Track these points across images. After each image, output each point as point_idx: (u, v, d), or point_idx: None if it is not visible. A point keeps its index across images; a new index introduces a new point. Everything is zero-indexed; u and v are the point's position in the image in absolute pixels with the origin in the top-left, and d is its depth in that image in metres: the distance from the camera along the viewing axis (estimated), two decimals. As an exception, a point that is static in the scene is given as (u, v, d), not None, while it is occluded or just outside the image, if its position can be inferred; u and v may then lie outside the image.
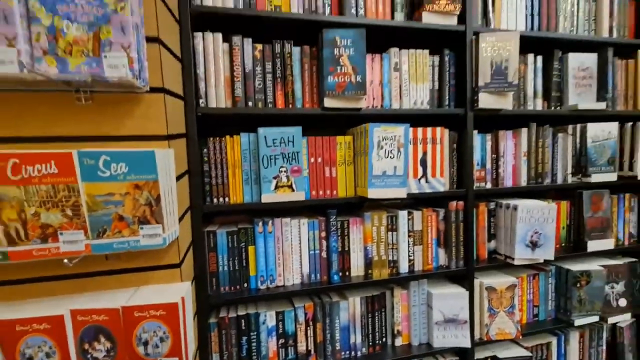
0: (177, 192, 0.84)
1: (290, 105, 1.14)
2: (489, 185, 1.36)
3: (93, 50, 0.66)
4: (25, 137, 0.71)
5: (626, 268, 1.50)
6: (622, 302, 1.49)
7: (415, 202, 1.43)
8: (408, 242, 1.26)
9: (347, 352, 1.23)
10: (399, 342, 1.29)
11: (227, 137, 1.10)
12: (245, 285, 1.15)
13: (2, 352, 0.71)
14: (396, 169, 1.15)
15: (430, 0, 1.18)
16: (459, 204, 1.28)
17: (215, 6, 1.03)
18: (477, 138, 1.32)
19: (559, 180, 1.44)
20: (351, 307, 1.23)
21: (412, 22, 1.20)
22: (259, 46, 1.10)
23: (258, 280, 1.15)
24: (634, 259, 1.56)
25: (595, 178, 1.41)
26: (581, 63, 1.43)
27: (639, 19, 1.53)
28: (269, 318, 1.15)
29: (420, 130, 1.23)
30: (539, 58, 1.40)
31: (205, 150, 1.08)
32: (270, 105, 1.12)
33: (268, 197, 1.09)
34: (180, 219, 0.90)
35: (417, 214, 1.27)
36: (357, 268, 1.23)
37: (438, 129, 1.25)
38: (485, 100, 1.24)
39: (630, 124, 1.48)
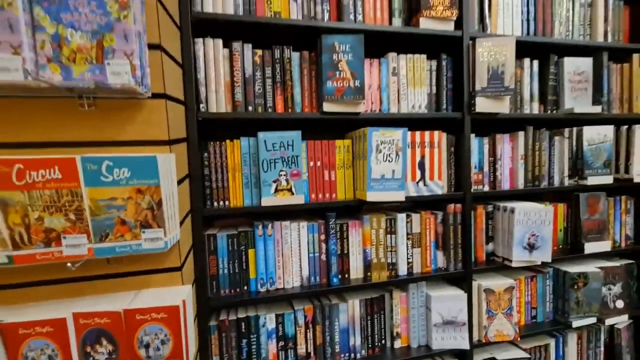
0: (178, 196, 0.85)
1: (290, 110, 1.15)
2: (486, 188, 1.37)
3: (96, 58, 0.67)
4: (29, 142, 0.73)
5: (623, 270, 1.52)
6: (619, 304, 1.51)
7: (413, 205, 1.44)
8: (407, 244, 1.27)
9: (347, 355, 1.24)
10: (398, 344, 1.30)
11: (227, 141, 1.11)
12: (245, 288, 1.15)
13: (6, 355, 0.72)
14: (394, 173, 1.16)
15: (428, 6, 1.20)
16: (456, 206, 1.29)
17: (216, 12, 1.05)
18: (474, 141, 1.34)
19: (556, 183, 1.45)
20: (350, 310, 1.24)
21: (409, 27, 1.21)
22: (259, 52, 1.11)
23: (258, 283, 1.16)
24: (630, 261, 1.57)
25: (592, 181, 1.42)
26: (577, 67, 1.45)
27: (634, 23, 1.56)
28: (268, 320, 1.16)
29: (418, 134, 1.25)
30: (535, 62, 1.42)
31: (205, 154, 1.10)
32: (270, 110, 1.13)
33: (268, 201, 1.11)
34: (181, 222, 0.91)
35: (415, 217, 1.28)
36: (356, 270, 1.24)
37: (436, 133, 1.27)
38: (482, 104, 1.26)
39: (625, 127, 1.49)
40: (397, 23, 1.23)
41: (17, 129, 0.72)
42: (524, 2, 1.36)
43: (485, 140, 1.36)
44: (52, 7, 0.65)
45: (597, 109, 1.43)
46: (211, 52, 1.07)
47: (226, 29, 1.11)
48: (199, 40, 1.05)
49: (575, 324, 1.42)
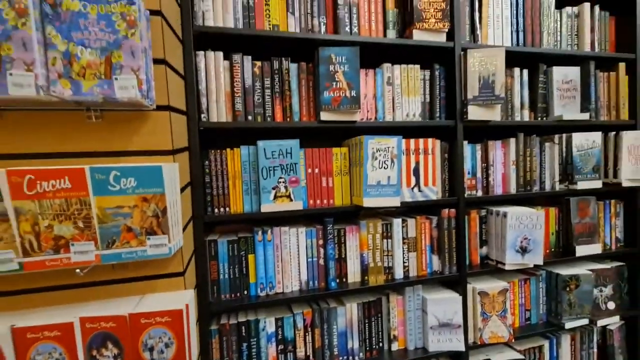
0: (180, 203, 0.89)
1: (288, 119, 1.19)
2: (479, 193, 1.41)
3: (105, 73, 0.71)
4: (39, 153, 0.76)
5: (613, 272, 1.55)
6: (611, 305, 1.54)
7: (409, 210, 1.48)
8: (403, 248, 1.30)
9: (345, 357, 1.26)
10: (395, 346, 1.33)
11: (228, 149, 1.15)
12: (246, 292, 1.18)
13: (15, 359, 0.74)
14: (390, 179, 1.20)
15: (421, 18, 1.25)
16: (451, 211, 1.33)
17: (217, 26, 1.09)
18: (467, 148, 1.38)
19: (547, 188, 1.49)
20: (348, 313, 1.26)
21: (403, 39, 1.26)
22: (258, 63, 1.15)
23: (258, 288, 1.18)
24: (621, 263, 1.61)
25: (582, 185, 1.47)
26: (565, 76, 1.50)
27: (619, 33, 1.62)
28: (268, 324, 1.18)
29: (412, 141, 1.29)
30: (525, 71, 1.47)
31: (206, 162, 1.13)
32: (269, 119, 1.17)
33: (267, 207, 1.14)
34: (183, 229, 0.94)
35: (411, 222, 1.31)
36: (353, 275, 1.27)
37: (430, 140, 1.31)
38: (474, 112, 1.30)
39: (613, 133, 1.54)
40: (392, 35, 1.28)
41: (28, 141, 0.76)
42: (514, 14, 1.41)
43: (478, 146, 1.41)
44: (64, 26, 0.69)
45: (585, 116, 1.48)
46: (212, 64, 1.11)
47: (226, 42, 1.15)
48: (201, 53, 1.09)
49: (568, 325, 1.45)
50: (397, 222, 1.29)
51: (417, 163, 1.30)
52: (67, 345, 0.77)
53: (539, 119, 1.49)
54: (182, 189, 0.95)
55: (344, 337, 1.26)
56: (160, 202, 0.75)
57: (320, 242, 1.23)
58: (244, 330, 1.16)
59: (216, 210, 1.14)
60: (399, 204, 1.22)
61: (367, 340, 1.29)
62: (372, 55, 1.31)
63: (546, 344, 1.51)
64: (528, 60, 1.49)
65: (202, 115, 1.10)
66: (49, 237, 0.71)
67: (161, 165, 0.74)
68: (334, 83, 1.16)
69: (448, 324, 1.32)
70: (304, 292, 1.21)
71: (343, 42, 1.19)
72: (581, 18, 1.53)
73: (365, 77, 1.26)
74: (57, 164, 0.77)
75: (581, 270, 1.50)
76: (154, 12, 0.80)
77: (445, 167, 1.35)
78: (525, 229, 1.35)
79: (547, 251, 1.52)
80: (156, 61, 0.81)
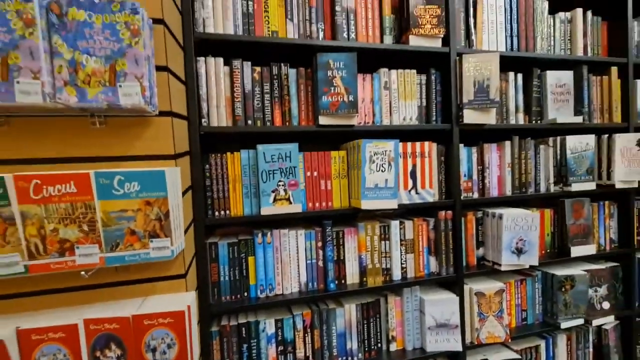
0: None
1: (287, 123, 1.21)
2: (476, 195, 1.43)
3: (109, 81, 0.73)
4: (44, 158, 0.78)
5: (608, 272, 1.58)
6: (606, 305, 1.57)
7: (406, 212, 1.50)
8: (400, 250, 1.32)
9: (344, 358, 1.28)
10: (393, 347, 1.34)
11: (228, 153, 1.17)
12: (246, 294, 1.20)
13: (21, 360, 0.75)
14: (387, 182, 1.22)
15: (417, 24, 1.27)
16: (447, 213, 1.35)
17: (217, 33, 1.12)
18: (463, 151, 1.40)
19: (542, 190, 1.52)
20: (347, 314, 1.28)
21: (400, 44, 1.29)
22: (258, 68, 1.18)
23: (258, 289, 1.20)
24: (615, 264, 1.64)
25: (576, 187, 1.49)
26: (558, 80, 1.53)
27: (611, 38, 1.65)
28: (268, 326, 1.20)
29: (409, 144, 1.31)
30: (519, 76, 1.50)
31: (207, 166, 1.15)
32: (268, 124, 1.19)
33: (267, 210, 1.16)
34: (185, 231, 0.95)
35: (408, 224, 1.33)
36: (352, 276, 1.29)
37: (426, 143, 1.33)
38: (470, 116, 1.33)
39: (606, 135, 1.57)
40: (388, 40, 1.30)
41: (33, 146, 0.77)
42: (508, 19, 1.44)
43: (474, 149, 1.43)
44: (69, 35, 0.71)
45: (579, 119, 1.51)
46: (212, 69, 1.13)
47: (227, 48, 1.17)
48: (201, 59, 1.11)
49: (564, 325, 1.47)
50: (394, 224, 1.31)
51: (414, 166, 1.32)
52: (71, 346, 0.78)
53: (534, 122, 1.52)
54: (183, 193, 0.97)
55: (343, 338, 1.28)
56: (163, 206, 0.77)
57: (319, 244, 1.25)
58: (244, 332, 1.18)
59: (217, 213, 1.16)
60: (396, 206, 1.24)
61: (366, 341, 1.31)
62: (370, 61, 1.34)
63: (542, 343, 1.53)
64: (522, 64, 1.52)
65: (203, 120, 1.12)
66: (55, 240, 0.73)
67: (164, 169, 0.76)
68: (332, 88, 1.18)
69: (445, 325, 1.34)
70: (304, 293, 1.23)
71: (341, 47, 1.21)
72: (574, 23, 1.56)
73: (363, 82, 1.28)
74: (61, 168, 0.79)
75: (576, 270, 1.52)
76: (156, 21, 0.82)
77: (441, 169, 1.38)
78: (520, 231, 1.38)
79: (543, 252, 1.55)
80: (159, 68, 0.83)
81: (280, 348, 1.21)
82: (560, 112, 1.54)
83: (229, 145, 1.27)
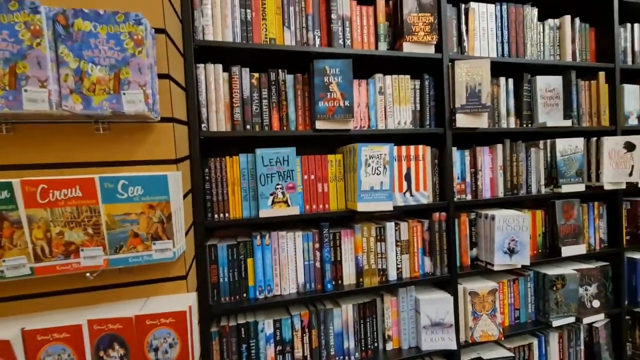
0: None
1: (285, 128, 1.24)
2: (469, 197, 1.47)
3: (114, 89, 0.76)
4: (50, 163, 0.80)
5: (598, 271, 1.62)
6: (596, 304, 1.61)
7: (401, 214, 1.54)
8: (396, 251, 1.36)
9: (341, 357, 1.30)
10: (389, 346, 1.37)
11: (227, 157, 1.20)
12: (245, 295, 1.22)
13: (26, 360, 0.77)
14: (383, 184, 1.25)
15: (410, 32, 1.31)
16: (441, 215, 1.39)
17: (216, 40, 1.15)
18: (456, 154, 1.44)
19: (533, 191, 1.56)
20: (344, 314, 1.31)
21: (394, 51, 1.32)
22: (256, 75, 1.21)
23: (256, 290, 1.23)
24: (605, 263, 1.68)
25: (566, 189, 1.54)
26: (548, 84, 1.58)
27: (599, 43, 1.70)
28: (267, 326, 1.22)
29: (404, 148, 1.35)
30: (510, 81, 1.55)
31: (206, 170, 1.18)
32: (266, 128, 1.22)
33: (265, 212, 1.18)
34: (185, 234, 0.98)
35: (403, 225, 1.37)
36: (349, 277, 1.32)
37: (420, 147, 1.37)
38: (462, 120, 1.37)
39: (595, 138, 1.62)
40: (383, 47, 1.34)
41: (39, 151, 0.80)
42: (499, 26, 1.49)
43: (467, 152, 1.47)
44: (75, 45, 0.73)
45: (568, 123, 1.55)
46: (212, 76, 1.16)
47: (226, 55, 1.20)
48: (201, 66, 1.14)
49: (555, 323, 1.51)
50: (390, 225, 1.34)
51: (409, 169, 1.36)
52: (75, 346, 0.80)
53: (524, 125, 1.56)
54: (184, 196, 0.99)
55: (340, 338, 1.30)
56: (166, 209, 0.80)
57: (317, 245, 1.28)
58: (243, 332, 1.20)
59: (216, 215, 1.19)
60: (391, 208, 1.28)
61: (363, 340, 1.34)
62: (365, 66, 1.38)
63: (535, 342, 1.57)
64: (513, 70, 1.57)
65: (203, 125, 1.15)
66: (60, 243, 0.76)
67: (167, 174, 0.79)
68: (329, 93, 1.21)
69: (440, 324, 1.37)
70: (301, 294, 1.25)
71: (337, 54, 1.25)
72: (562, 30, 1.61)
73: (358, 87, 1.32)
74: (66, 173, 0.81)
75: (567, 270, 1.56)
76: (158, 31, 0.85)
77: (435, 172, 1.41)
78: (512, 231, 1.41)
79: (535, 252, 1.59)
80: (161, 76, 0.86)
81: (279, 348, 1.24)
82: (550, 115, 1.58)
83: (228, 150, 1.30)
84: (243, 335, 1.20)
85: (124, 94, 0.76)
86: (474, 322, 1.43)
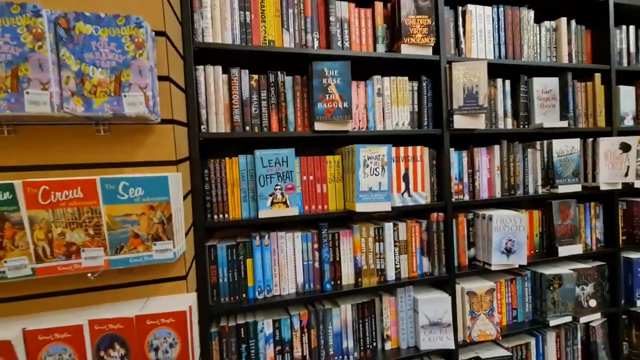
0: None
1: (284, 129, 1.25)
2: (466, 198, 1.48)
3: (114, 91, 0.77)
4: (51, 164, 0.81)
5: (595, 271, 1.63)
6: (592, 303, 1.62)
7: (399, 214, 1.55)
8: (394, 251, 1.37)
9: (340, 357, 1.31)
10: (388, 346, 1.38)
11: (227, 158, 1.21)
12: (244, 295, 1.23)
13: (28, 360, 0.78)
14: (381, 185, 1.26)
15: (408, 34, 1.33)
16: (439, 215, 1.40)
17: (216, 42, 1.16)
18: (454, 155, 1.45)
19: (531, 192, 1.58)
20: (343, 314, 1.32)
21: (392, 53, 1.34)
22: (255, 76, 1.22)
23: (256, 291, 1.23)
24: (601, 263, 1.70)
25: (562, 189, 1.55)
26: (544, 86, 1.59)
27: (595, 45, 1.72)
28: (266, 326, 1.23)
29: (402, 149, 1.36)
30: (507, 82, 1.56)
31: (206, 171, 1.18)
32: (265, 129, 1.23)
33: (264, 213, 1.19)
34: (185, 234, 0.99)
35: (401, 225, 1.38)
36: (347, 277, 1.33)
37: (418, 148, 1.38)
38: (460, 121, 1.38)
39: (591, 139, 1.63)
40: (381, 49, 1.36)
41: (40, 153, 0.81)
42: (495, 28, 1.50)
43: (464, 153, 1.48)
44: (77, 48, 0.74)
45: (564, 124, 1.57)
46: (211, 77, 1.17)
47: (225, 57, 1.21)
48: (200, 68, 1.15)
49: (553, 322, 1.52)
50: (388, 226, 1.35)
51: (407, 170, 1.37)
52: (76, 346, 0.81)
53: (521, 126, 1.58)
54: (184, 197, 1.00)
55: (339, 337, 1.31)
56: (166, 210, 0.81)
57: (316, 246, 1.29)
58: (242, 332, 1.21)
59: (215, 216, 1.19)
60: (390, 209, 1.29)
61: (361, 340, 1.35)
62: (363, 68, 1.39)
63: (532, 341, 1.58)
64: (510, 71, 1.58)
65: (202, 127, 1.16)
66: (61, 244, 0.76)
67: (167, 175, 0.80)
68: (327, 95, 1.22)
69: (438, 323, 1.38)
70: (300, 294, 1.26)
71: (335, 56, 1.26)
72: (559, 32, 1.63)
73: (357, 89, 1.33)
74: (67, 174, 0.82)
75: (564, 269, 1.57)
76: (159, 33, 0.86)
77: (433, 173, 1.42)
78: (509, 231, 1.43)
79: (532, 252, 1.60)
80: (161, 78, 0.87)
81: (278, 348, 1.24)
82: (546, 117, 1.60)
83: (228, 151, 1.31)
84: (242, 335, 1.21)
85: (125, 96, 0.77)
86: (472, 322, 1.44)
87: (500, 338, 1.45)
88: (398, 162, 1.36)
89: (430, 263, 1.42)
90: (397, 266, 1.37)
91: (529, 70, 1.59)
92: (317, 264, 1.29)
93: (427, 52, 1.37)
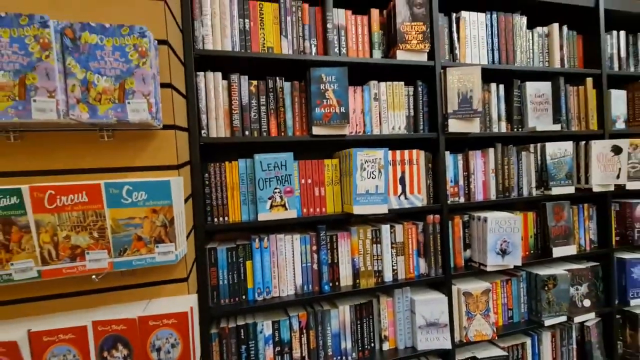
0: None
1: (283, 133, 1.28)
2: (462, 200, 1.51)
3: (119, 98, 0.79)
4: (57, 169, 0.83)
5: (589, 271, 1.66)
6: (587, 303, 1.65)
7: (396, 216, 1.57)
8: (391, 253, 1.39)
9: (339, 358, 1.33)
10: (386, 346, 1.40)
11: (226, 162, 1.23)
12: (244, 297, 1.25)
13: (33, 360, 0.80)
14: (378, 188, 1.29)
15: (403, 40, 1.36)
16: (435, 217, 1.43)
17: (216, 49, 1.18)
18: (449, 158, 1.48)
19: (525, 194, 1.61)
20: (341, 315, 1.34)
21: (388, 59, 1.37)
22: (254, 82, 1.25)
23: (255, 292, 1.25)
24: (595, 263, 1.73)
25: (556, 191, 1.58)
26: (537, 90, 1.63)
27: (586, 50, 1.76)
28: (265, 327, 1.25)
29: (398, 152, 1.39)
30: (501, 87, 1.60)
31: (206, 175, 1.21)
32: (264, 134, 1.26)
33: (264, 216, 1.22)
34: (186, 237, 1.01)
35: (398, 227, 1.40)
36: (345, 278, 1.35)
37: (414, 151, 1.41)
38: (454, 125, 1.41)
39: (583, 142, 1.67)
40: (377, 55, 1.39)
41: (46, 158, 0.83)
42: (489, 34, 1.54)
43: (459, 156, 1.51)
44: (82, 57, 0.77)
45: (557, 127, 1.60)
46: (212, 84, 1.19)
47: (225, 63, 1.24)
48: (201, 74, 1.18)
49: (548, 322, 1.55)
50: (385, 228, 1.38)
51: (403, 173, 1.40)
52: (80, 347, 0.83)
53: (515, 130, 1.61)
54: (185, 200, 1.02)
55: (337, 338, 1.33)
56: (168, 213, 0.83)
57: (314, 248, 1.31)
58: (242, 333, 1.23)
59: (216, 219, 1.22)
60: (387, 211, 1.31)
61: (360, 341, 1.37)
62: (360, 74, 1.42)
63: (528, 341, 1.60)
64: (503, 76, 1.62)
65: (203, 132, 1.18)
66: (67, 246, 0.78)
67: (169, 179, 0.82)
68: (325, 100, 1.25)
69: (435, 324, 1.40)
70: (299, 295, 1.28)
71: (332, 62, 1.29)
72: (551, 37, 1.66)
73: (354, 94, 1.36)
74: (72, 179, 0.84)
75: (558, 270, 1.60)
76: (161, 42, 0.89)
77: (429, 176, 1.45)
78: (504, 233, 1.45)
79: (527, 253, 1.63)
80: (163, 85, 0.90)
81: (277, 349, 1.26)
82: (540, 120, 1.63)
83: (227, 155, 1.33)
84: (242, 337, 1.22)
85: (129, 103, 0.79)
86: (468, 322, 1.46)
87: (496, 338, 1.47)
88: (394, 165, 1.38)
89: (426, 264, 1.44)
90: (394, 267, 1.40)
91: (522, 74, 1.63)
92: (315, 266, 1.31)
93: (422, 58, 1.40)
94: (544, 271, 1.59)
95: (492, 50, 1.55)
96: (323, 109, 1.25)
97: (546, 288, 1.56)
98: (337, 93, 1.26)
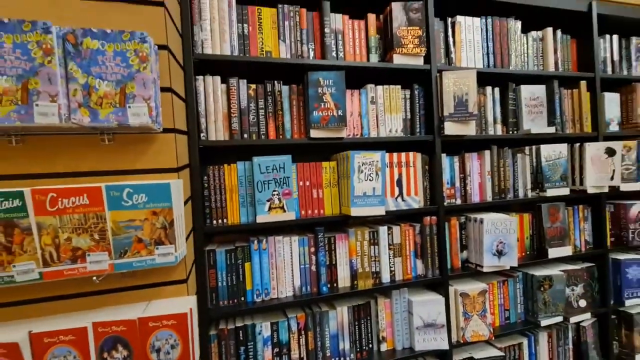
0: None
1: (281, 136, 1.30)
2: (458, 202, 1.53)
3: (119, 102, 0.81)
4: (59, 172, 0.84)
5: (584, 272, 1.68)
6: (582, 303, 1.66)
7: (393, 218, 1.59)
8: (389, 254, 1.41)
9: (337, 359, 1.34)
10: (384, 347, 1.41)
11: (225, 165, 1.24)
12: (242, 298, 1.26)
13: (34, 361, 0.81)
14: (375, 190, 1.30)
15: (400, 44, 1.38)
16: (432, 219, 1.44)
17: (215, 54, 1.20)
18: (445, 160, 1.50)
19: (520, 195, 1.63)
20: (339, 316, 1.35)
21: (385, 63, 1.39)
22: (253, 86, 1.26)
23: (254, 294, 1.26)
24: (591, 264, 1.74)
25: (551, 192, 1.60)
26: (532, 93, 1.65)
27: (580, 54, 1.79)
28: (264, 329, 1.26)
29: (395, 155, 1.41)
30: (497, 90, 1.62)
31: (205, 177, 1.22)
32: (263, 137, 1.27)
33: (262, 218, 1.23)
34: (185, 239, 1.02)
35: (395, 229, 1.42)
36: (343, 280, 1.36)
37: (411, 154, 1.43)
38: (450, 128, 1.43)
39: (577, 144, 1.69)
40: (374, 59, 1.41)
41: (48, 162, 0.84)
42: (484, 38, 1.56)
43: (456, 158, 1.53)
44: (84, 62, 0.78)
45: (552, 130, 1.62)
46: (211, 87, 1.21)
47: (224, 67, 1.26)
48: (200, 78, 1.19)
49: (544, 322, 1.56)
50: (383, 229, 1.39)
51: (400, 175, 1.41)
52: (80, 348, 0.84)
53: (510, 132, 1.63)
54: (184, 203, 1.04)
55: (335, 339, 1.34)
56: (168, 215, 0.84)
57: (312, 249, 1.32)
58: (241, 335, 1.23)
59: (214, 221, 1.23)
60: (384, 213, 1.33)
61: (358, 342, 1.38)
62: (357, 77, 1.44)
63: (525, 341, 1.62)
64: (499, 79, 1.64)
65: (202, 135, 1.20)
66: (68, 248, 0.79)
67: (169, 182, 0.83)
68: (322, 104, 1.27)
69: (432, 324, 1.42)
70: (298, 297, 1.29)
71: (330, 66, 1.31)
72: (545, 41, 1.69)
73: (351, 97, 1.38)
74: (73, 182, 0.85)
75: (554, 271, 1.62)
76: (161, 47, 0.91)
77: (426, 178, 1.47)
78: (500, 234, 1.47)
79: (523, 254, 1.65)
80: (163, 89, 0.91)
81: (276, 350, 1.27)
82: (534, 123, 1.66)
83: (226, 158, 1.35)
84: (241, 338, 1.23)
85: (129, 107, 0.81)
86: (465, 323, 1.47)
87: (493, 338, 1.48)
88: (392, 167, 1.40)
89: (424, 265, 1.46)
90: (392, 269, 1.41)
91: (517, 78, 1.65)
92: (313, 267, 1.32)
93: (419, 62, 1.42)
94: (539, 272, 1.61)
95: (487, 54, 1.57)
96: (321, 112, 1.27)
97: (542, 289, 1.57)
98: (334, 96, 1.28)
